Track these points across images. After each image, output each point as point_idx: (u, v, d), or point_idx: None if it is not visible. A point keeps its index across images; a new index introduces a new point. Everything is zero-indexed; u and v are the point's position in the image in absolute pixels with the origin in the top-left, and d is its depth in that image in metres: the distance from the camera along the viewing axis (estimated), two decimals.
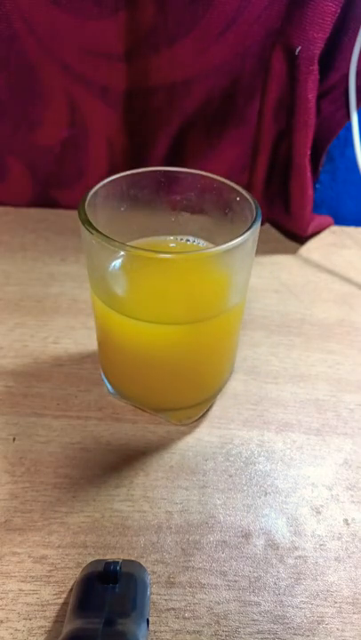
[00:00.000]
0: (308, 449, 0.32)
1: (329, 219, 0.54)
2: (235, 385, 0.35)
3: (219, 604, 0.24)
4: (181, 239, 0.32)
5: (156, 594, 0.25)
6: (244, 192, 0.28)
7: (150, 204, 0.30)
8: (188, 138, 0.49)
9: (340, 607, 0.25)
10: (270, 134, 0.46)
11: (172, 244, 0.32)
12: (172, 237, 0.32)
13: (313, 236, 0.53)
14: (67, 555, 0.26)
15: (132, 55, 0.44)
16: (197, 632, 0.23)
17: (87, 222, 0.25)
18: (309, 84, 0.42)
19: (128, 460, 0.30)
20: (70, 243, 0.49)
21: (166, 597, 0.25)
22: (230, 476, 0.30)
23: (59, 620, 0.23)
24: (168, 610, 0.24)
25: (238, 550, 0.27)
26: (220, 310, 0.28)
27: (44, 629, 0.23)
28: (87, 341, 0.38)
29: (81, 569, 0.24)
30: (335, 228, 0.54)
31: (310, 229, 0.51)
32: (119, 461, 0.30)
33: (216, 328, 0.29)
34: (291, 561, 0.26)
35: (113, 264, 0.28)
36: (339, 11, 0.39)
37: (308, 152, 0.46)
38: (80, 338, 0.38)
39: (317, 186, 0.55)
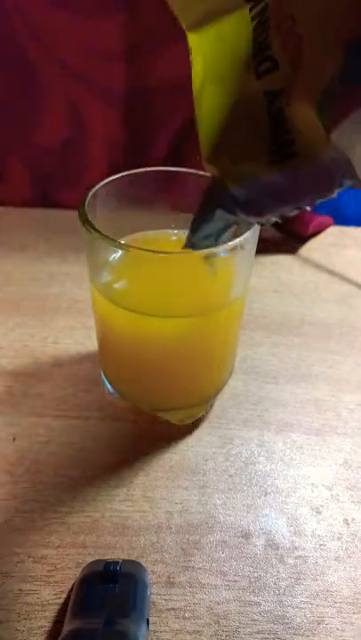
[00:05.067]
0: (308, 449, 0.32)
1: (329, 219, 0.54)
2: (235, 385, 0.35)
3: (219, 604, 0.24)
4: (185, 232, 0.32)
5: (156, 594, 0.25)
6: None
7: (150, 204, 0.30)
8: (188, 138, 0.49)
9: (340, 607, 0.25)
10: None
11: (173, 237, 0.32)
12: (173, 231, 0.32)
13: (313, 235, 0.53)
14: (67, 555, 0.26)
15: (132, 55, 0.44)
16: (197, 632, 0.23)
17: (87, 222, 0.25)
18: None
19: (128, 460, 0.30)
20: (70, 243, 0.49)
21: (166, 597, 0.25)
22: (230, 476, 0.30)
23: (59, 619, 0.23)
24: (168, 610, 0.24)
25: (238, 550, 0.27)
26: (219, 306, 0.28)
27: (43, 629, 0.23)
28: (87, 341, 0.38)
29: (81, 569, 0.24)
30: (335, 228, 0.54)
31: (310, 229, 0.51)
32: (119, 461, 0.30)
33: (215, 323, 0.29)
34: (291, 561, 0.26)
35: (113, 261, 0.28)
36: None
37: None
38: (80, 338, 0.38)
39: None
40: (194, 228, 0.23)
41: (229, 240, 0.23)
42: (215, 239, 0.23)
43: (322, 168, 0.16)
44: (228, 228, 0.23)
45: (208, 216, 0.21)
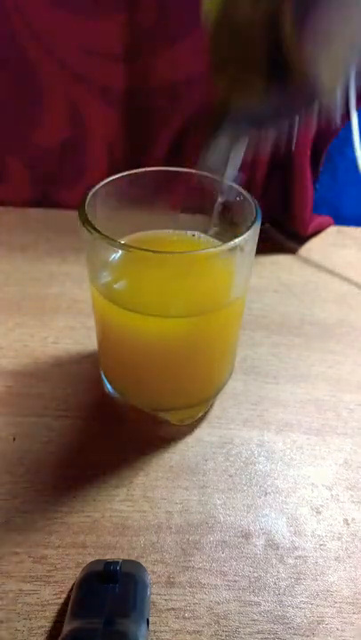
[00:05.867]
0: (308, 449, 0.32)
1: (329, 219, 0.54)
2: (235, 385, 0.35)
3: (219, 604, 0.24)
4: (186, 232, 0.32)
5: (156, 594, 0.25)
6: (244, 192, 0.28)
7: (150, 204, 0.30)
8: (188, 138, 0.49)
9: (340, 607, 0.25)
10: None
11: (173, 237, 0.32)
12: (173, 231, 0.32)
13: (313, 235, 0.53)
14: (67, 555, 0.26)
15: (132, 55, 0.44)
16: (197, 632, 0.23)
17: (87, 222, 0.25)
18: None
19: (128, 460, 0.30)
20: (70, 243, 0.49)
21: (166, 597, 0.25)
22: (230, 476, 0.30)
23: (59, 619, 0.23)
24: (168, 610, 0.24)
25: (238, 550, 0.27)
26: (219, 305, 0.28)
27: (43, 629, 0.23)
28: (87, 341, 0.38)
29: (81, 569, 0.24)
30: (335, 228, 0.54)
31: (310, 229, 0.51)
32: (119, 461, 0.30)
33: (215, 323, 0.29)
34: (291, 561, 0.26)
35: (113, 261, 0.28)
36: None
37: (309, 152, 0.46)
38: (80, 338, 0.38)
39: (317, 186, 0.54)
40: (205, 149, 0.24)
41: (237, 163, 0.24)
42: (225, 156, 0.24)
43: (304, 83, 0.18)
44: (237, 144, 0.23)
45: (216, 131, 0.23)
